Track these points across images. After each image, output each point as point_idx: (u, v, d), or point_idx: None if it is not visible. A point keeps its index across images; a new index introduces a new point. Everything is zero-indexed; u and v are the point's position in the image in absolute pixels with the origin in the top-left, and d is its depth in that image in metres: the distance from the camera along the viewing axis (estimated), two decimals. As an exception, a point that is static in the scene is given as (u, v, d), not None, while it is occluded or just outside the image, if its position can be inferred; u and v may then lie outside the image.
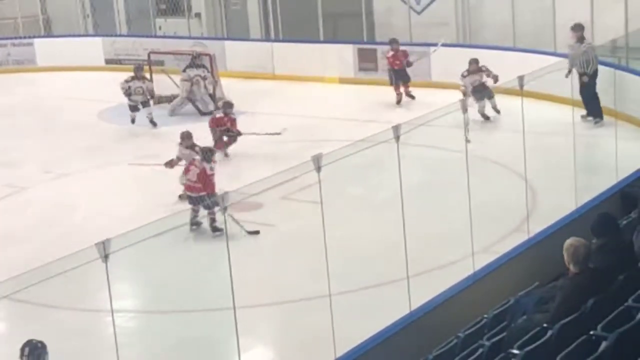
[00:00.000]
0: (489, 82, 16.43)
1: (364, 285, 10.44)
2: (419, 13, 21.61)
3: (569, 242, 7.12)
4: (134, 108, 18.10)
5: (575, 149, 12.40)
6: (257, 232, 12.10)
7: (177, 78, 19.52)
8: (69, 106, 19.67)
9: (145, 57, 21.18)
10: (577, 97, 14.49)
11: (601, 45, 16.32)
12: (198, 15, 25.11)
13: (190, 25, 24.61)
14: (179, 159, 13.71)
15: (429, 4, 21.68)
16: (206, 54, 20.14)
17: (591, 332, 6.26)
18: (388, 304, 9.05)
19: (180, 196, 13.34)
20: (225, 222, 7.34)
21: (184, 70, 19.22)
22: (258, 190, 8.34)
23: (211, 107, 19.11)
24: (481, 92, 16.00)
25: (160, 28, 25.34)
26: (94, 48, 24.53)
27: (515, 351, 6.37)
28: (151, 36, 24.58)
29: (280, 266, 11.38)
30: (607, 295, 6.87)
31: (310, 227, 8.68)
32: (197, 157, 12.82)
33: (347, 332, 8.03)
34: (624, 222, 8.83)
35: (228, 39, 23.81)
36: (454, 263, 10.37)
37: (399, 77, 18.74)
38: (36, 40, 25.33)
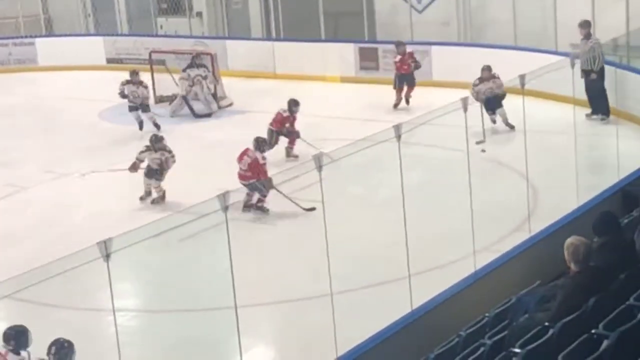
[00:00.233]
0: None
1: (365, 285, 10.44)
2: (420, 12, 21.60)
3: (569, 241, 7.12)
4: (132, 108, 17.94)
5: (577, 147, 12.39)
6: (313, 209, 12.12)
7: (178, 77, 19.47)
8: (70, 106, 19.67)
9: (147, 57, 21.18)
10: (579, 95, 14.46)
11: (602, 44, 16.30)
12: (199, 14, 25.10)
13: (191, 25, 24.60)
14: (140, 161, 13.72)
15: (430, 3, 21.67)
16: (207, 53, 20.13)
17: (593, 331, 6.25)
18: (389, 303, 9.05)
19: (141, 198, 13.50)
20: (227, 224, 7.33)
21: (184, 70, 19.17)
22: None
23: (214, 106, 19.09)
24: (493, 102, 15.46)
25: (161, 27, 25.33)
26: (95, 47, 24.52)
27: (517, 350, 6.37)
28: (152, 35, 24.57)
29: (282, 265, 11.38)
30: (608, 294, 6.86)
31: (311, 226, 8.70)
32: (250, 147, 13.23)
33: (348, 331, 8.03)
34: (626, 220, 8.83)
35: (229, 38, 23.80)
36: (455, 262, 10.37)
37: (405, 81, 18.34)
38: (37, 40, 25.33)
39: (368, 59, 21.18)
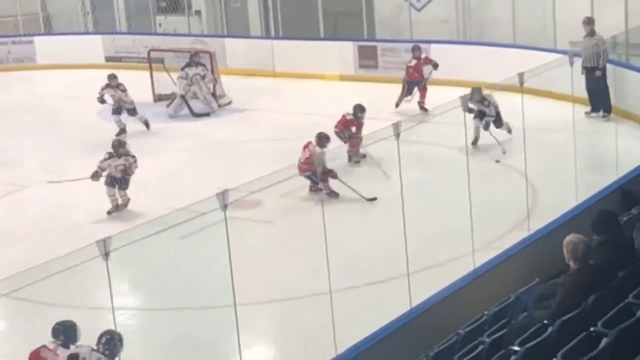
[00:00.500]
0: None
1: (364, 283, 10.44)
2: (419, 10, 21.60)
3: (568, 238, 7.12)
4: (114, 111, 17.65)
5: (576, 146, 12.40)
6: (374, 199, 12.51)
7: (176, 76, 19.43)
8: (69, 105, 19.65)
9: (146, 55, 21.17)
10: (578, 93, 14.46)
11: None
12: (198, 12, 25.10)
13: (190, 23, 24.60)
14: (102, 169, 13.34)
15: (429, 1, 21.68)
16: (206, 52, 20.13)
17: (592, 329, 6.25)
18: (388, 301, 9.06)
19: (109, 212, 13.23)
20: (226, 222, 7.33)
21: (183, 69, 19.13)
22: (258, 188, 8.34)
23: (214, 106, 19.06)
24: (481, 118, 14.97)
25: (160, 25, 25.32)
26: (94, 46, 24.50)
27: (516, 348, 6.37)
28: (151, 34, 24.55)
29: (281, 264, 11.37)
30: (607, 292, 6.86)
31: (310, 225, 8.69)
32: (312, 141, 13.33)
33: (348, 329, 8.03)
34: (625, 218, 8.83)
35: (228, 36, 23.80)
36: (454, 260, 10.37)
37: (416, 86, 17.90)
38: (36, 38, 25.31)
39: (367, 58, 21.18)
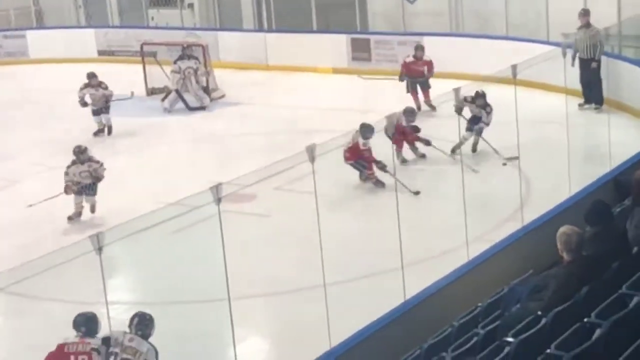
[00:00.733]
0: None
1: (358, 275, 10.44)
2: (412, 2, 21.59)
3: (561, 230, 7.13)
4: (95, 112, 17.30)
5: (569, 137, 12.41)
6: (418, 193, 12.57)
7: (169, 69, 19.39)
8: (61, 99, 19.57)
9: (138, 49, 21.14)
10: (571, 85, 14.47)
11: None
12: (191, 5, 25.07)
13: (183, 16, 24.56)
14: (70, 181, 12.85)
15: (422, -7, 21.67)
16: (199, 45, 20.10)
17: (585, 320, 6.26)
18: (382, 294, 9.07)
19: (69, 218, 12.84)
20: (220, 216, 7.33)
21: (175, 62, 19.08)
22: (252, 181, 8.35)
23: (206, 101, 19.01)
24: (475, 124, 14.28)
25: (152, 19, 25.29)
26: (87, 40, 24.46)
27: (510, 339, 6.37)
28: (144, 27, 24.52)
29: (275, 257, 11.37)
30: (601, 283, 6.88)
31: (304, 218, 8.69)
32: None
33: (342, 322, 8.04)
34: (618, 209, 8.84)
35: (221, 29, 23.78)
36: (448, 252, 10.39)
37: (418, 84, 17.19)
38: (28, 32, 25.25)
39: (360, 50, 21.18)
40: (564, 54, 12.09)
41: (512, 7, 19.60)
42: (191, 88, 18.90)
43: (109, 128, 17.31)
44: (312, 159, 7.66)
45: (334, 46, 21.42)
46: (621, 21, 16.72)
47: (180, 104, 18.88)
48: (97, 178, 12.91)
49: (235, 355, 8.18)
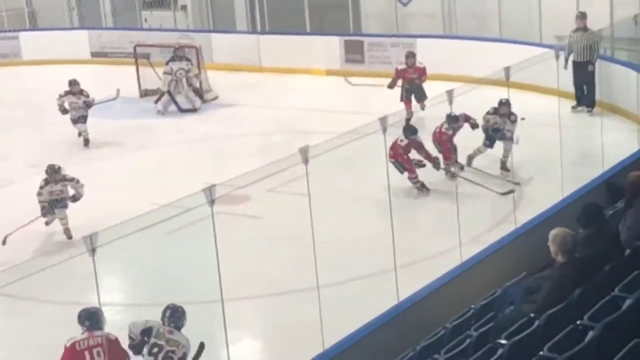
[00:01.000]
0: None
1: (352, 277, 10.45)
2: (404, 4, 21.61)
3: (555, 232, 7.14)
4: (75, 121, 16.74)
5: (562, 139, 12.43)
6: (512, 192, 12.31)
7: (162, 71, 19.35)
8: (54, 100, 19.52)
9: (131, 50, 21.12)
10: (564, 87, 14.49)
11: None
12: (184, 7, 25.05)
13: (176, 18, 24.55)
14: (45, 202, 12.39)
15: (415, -4, 21.69)
16: (192, 47, 20.08)
17: (578, 322, 6.27)
18: (376, 296, 9.07)
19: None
20: (213, 217, 7.33)
21: (167, 64, 19.05)
22: (245, 183, 8.34)
23: (197, 103, 18.95)
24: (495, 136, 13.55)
25: (146, 20, 25.26)
26: (80, 41, 24.42)
27: (503, 341, 6.38)
28: (137, 29, 24.50)
29: (268, 258, 11.37)
30: (593, 285, 6.89)
31: (297, 219, 8.69)
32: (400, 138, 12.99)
33: (335, 323, 8.04)
34: (610, 212, 8.86)
35: (214, 31, 23.77)
36: (441, 254, 10.40)
37: (413, 93, 16.35)
38: (21, 34, 25.21)
39: (353, 52, 21.19)
40: (557, 57, 12.12)
41: (506, 9, 19.63)
42: (183, 90, 18.87)
43: (86, 140, 16.73)
44: (305, 161, 7.67)
45: (327, 48, 21.42)
46: (613, 23, 16.75)
47: (174, 106, 18.85)
48: (77, 199, 12.49)
49: (229, 357, 8.19)
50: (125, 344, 8.02)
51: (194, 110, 18.74)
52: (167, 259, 11.28)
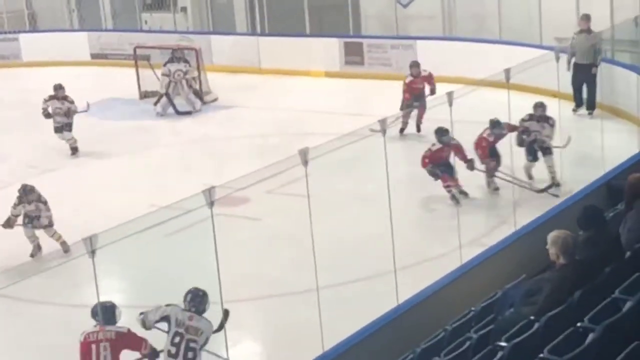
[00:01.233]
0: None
1: (351, 279, 10.44)
2: (404, 6, 21.61)
3: (555, 234, 7.12)
4: (57, 130, 16.28)
5: (562, 141, 12.43)
6: (551, 187, 12.18)
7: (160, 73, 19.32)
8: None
9: (131, 52, 21.12)
10: (564, 89, 14.48)
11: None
12: (184, 9, 25.06)
13: (176, 20, 24.56)
14: (15, 216, 11.97)
15: (414, -2, 21.69)
16: (192, 49, 20.08)
17: (578, 324, 6.26)
18: (375, 297, 9.07)
19: (31, 255, 11.84)
20: (213, 219, 7.32)
21: (165, 65, 19.02)
22: (245, 185, 8.33)
23: (197, 105, 18.92)
24: (537, 149, 12.84)
25: (146, 22, 25.27)
26: (80, 43, 24.43)
27: (503, 344, 6.37)
28: (137, 31, 24.50)
29: (268, 260, 11.36)
30: (594, 287, 6.88)
31: (297, 221, 8.68)
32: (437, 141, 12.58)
33: (335, 325, 8.03)
34: (611, 214, 8.85)
35: (214, 33, 23.78)
36: (441, 256, 10.38)
37: (415, 102, 15.63)
38: (21, 35, 25.23)
39: (353, 54, 21.19)
40: (557, 58, 12.11)
41: (506, 11, 19.62)
42: (182, 92, 18.86)
43: (73, 149, 16.32)
44: (305, 163, 7.66)
45: (327, 50, 21.43)
46: (614, 25, 16.74)
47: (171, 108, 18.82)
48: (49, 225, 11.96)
49: (228, 358, 8.17)
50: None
51: (189, 112, 18.67)
52: (167, 261, 11.27)
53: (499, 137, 12.77)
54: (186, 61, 19.09)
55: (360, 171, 13.44)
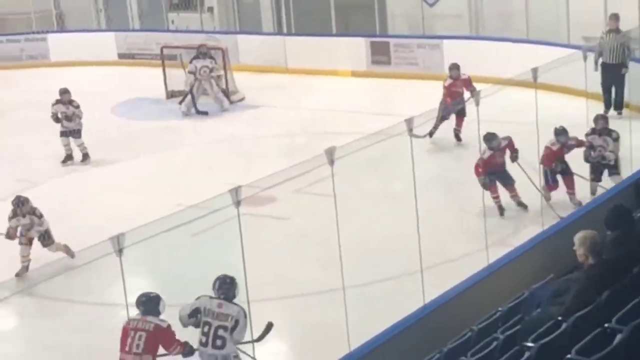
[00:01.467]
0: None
1: (377, 279, 10.43)
2: (431, 5, 21.56)
3: (583, 234, 7.09)
4: (63, 134, 15.94)
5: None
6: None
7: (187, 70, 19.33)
8: (81, 101, 19.62)
9: (158, 52, 21.21)
10: (592, 89, 14.40)
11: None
12: (211, 9, 25.11)
13: (202, 19, 24.61)
14: (13, 228, 11.44)
15: (441, -3, 21.63)
16: (219, 48, 20.12)
17: (606, 325, 6.23)
18: (402, 297, 9.05)
19: (17, 275, 11.30)
20: (239, 218, 7.33)
21: (191, 62, 19.05)
22: (271, 184, 8.35)
23: (226, 104, 18.95)
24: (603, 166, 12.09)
25: (172, 22, 25.36)
26: (107, 43, 24.54)
27: (530, 344, 6.35)
28: (164, 30, 24.59)
29: (294, 260, 11.38)
30: (621, 288, 6.84)
31: (323, 221, 8.68)
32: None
33: (361, 325, 8.03)
34: (639, 214, 8.79)
35: (241, 32, 23.81)
36: (468, 256, 10.35)
37: (450, 111, 14.98)
38: (49, 36, 25.37)
39: (379, 53, 21.16)
40: (585, 58, 12.03)
41: (533, 9, 19.52)
42: (211, 91, 18.90)
43: (84, 155, 15.99)
44: (331, 162, 7.66)
45: (354, 49, 21.41)
46: (642, 24, 16.63)
47: (198, 107, 18.84)
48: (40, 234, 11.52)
49: (254, 357, 8.19)
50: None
51: (206, 113, 18.63)
52: (193, 260, 11.31)
53: (568, 147, 12.04)
54: (212, 57, 19.09)
55: (386, 170, 13.42)
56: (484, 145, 11.81)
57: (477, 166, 11.92)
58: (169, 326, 8.02)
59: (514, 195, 12.20)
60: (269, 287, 10.13)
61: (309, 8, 23.02)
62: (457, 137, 15.19)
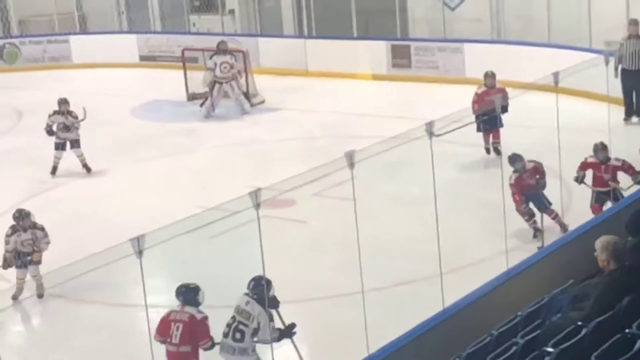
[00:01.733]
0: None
1: (396, 282, 10.42)
2: (452, 9, 21.53)
3: (605, 239, 7.05)
4: (58, 146, 15.52)
5: (611, 146, 12.27)
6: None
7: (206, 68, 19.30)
8: (103, 103, 19.74)
9: (179, 54, 21.28)
10: (613, 94, 14.33)
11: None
12: (232, 11, 25.18)
13: (224, 22, 24.67)
14: (9, 252, 10.85)
15: (462, 1, 21.58)
16: (240, 51, 20.16)
17: (626, 330, 6.20)
18: (421, 301, 9.03)
19: (13, 297, 10.87)
20: (259, 221, 7.33)
21: (211, 58, 19.04)
22: (291, 187, 8.35)
23: (247, 107, 18.98)
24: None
25: (194, 25, 25.44)
26: (129, 45, 24.67)
27: (550, 349, 6.32)
28: (185, 33, 24.68)
29: (313, 263, 11.38)
30: (643, 294, 6.80)
31: (342, 224, 8.69)
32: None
33: (380, 328, 8.02)
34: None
35: (261, 35, 23.86)
36: (487, 260, 10.33)
37: (485, 122, 14.22)
38: (71, 37, 25.52)
39: (400, 57, 21.15)
40: (607, 62, 11.97)
41: (554, 13, 19.46)
42: (232, 93, 18.93)
43: (85, 165, 15.60)
44: (351, 165, 7.65)
45: (374, 52, 21.42)
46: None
47: (219, 109, 18.87)
48: (33, 247, 10.96)
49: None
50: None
51: (209, 115, 18.66)
52: (213, 262, 11.33)
53: (604, 162, 11.31)
54: (231, 53, 19.07)
55: (407, 174, 13.41)
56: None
57: (513, 194, 11.32)
58: (203, 318, 8.12)
59: (557, 217, 11.50)
60: (287, 289, 10.12)
61: (330, 11, 23.03)
62: (497, 151, 14.60)
